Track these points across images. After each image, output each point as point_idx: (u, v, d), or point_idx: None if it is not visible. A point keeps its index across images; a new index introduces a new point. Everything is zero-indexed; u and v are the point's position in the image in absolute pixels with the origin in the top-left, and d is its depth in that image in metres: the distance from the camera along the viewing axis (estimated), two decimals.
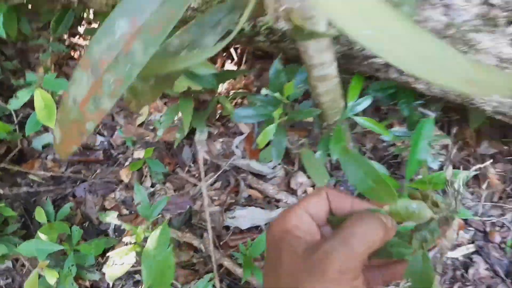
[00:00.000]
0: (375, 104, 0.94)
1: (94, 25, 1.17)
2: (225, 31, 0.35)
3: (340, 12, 0.19)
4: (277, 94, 0.65)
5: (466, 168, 1.01)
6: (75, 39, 1.23)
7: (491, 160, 0.98)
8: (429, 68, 0.18)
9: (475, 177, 1.03)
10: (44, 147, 1.03)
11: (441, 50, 0.18)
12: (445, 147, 1.05)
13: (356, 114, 0.76)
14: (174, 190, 0.99)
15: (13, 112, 0.98)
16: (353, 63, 0.68)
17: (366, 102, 0.73)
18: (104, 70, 0.27)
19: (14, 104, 0.70)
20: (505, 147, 1.03)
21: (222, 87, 1.11)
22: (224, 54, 1.18)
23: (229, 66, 1.17)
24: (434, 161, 0.80)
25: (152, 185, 0.99)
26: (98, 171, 1.04)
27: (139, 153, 0.99)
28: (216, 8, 0.34)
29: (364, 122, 0.72)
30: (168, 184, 0.99)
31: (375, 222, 0.32)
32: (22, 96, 0.69)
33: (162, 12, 0.27)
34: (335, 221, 0.35)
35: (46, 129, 1.01)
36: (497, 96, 0.63)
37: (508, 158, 1.02)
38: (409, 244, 0.35)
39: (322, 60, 0.56)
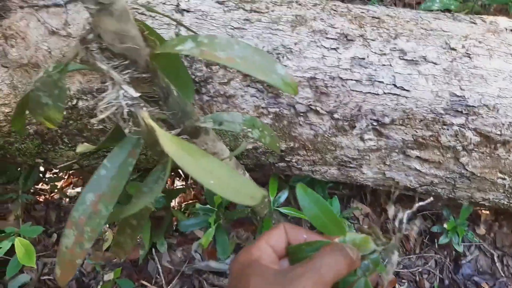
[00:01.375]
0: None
1: (55, 171, 1.35)
2: (164, 180, 0.55)
3: (197, 174, 0.40)
4: (208, 206, 0.84)
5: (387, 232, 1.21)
6: (39, 186, 1.39)
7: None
8: (234, 194, 0.38)
9: None
10: (20, 287, 1.12)
11: (239, 182, 0.38)
12: (367, 215, 1.26)
13: (283, 205, 0.96)
14: None
15: None
16: (265, 168, 0.90)
17: (284, 195, 0.93)
18: (82, 225, 0.45)
19: None
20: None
21: (175, 202, 1.29)
22: (173, 173, 1.38)
23: (178, 182, 1.36)
24: (350, 230, 0.99)
25: None
26: None
27: (109, 275, 1.11)
28: (156, 170, 0.54)
29: (286, 211, 0.92)
30: None
31: (342, 254, 0.35)
32: (4, 246, 0.83)
33: (112, 184, 0.46)
34: (293, 251, 0.39)
35: (21, 270, 1.12)
36: (370, 173, 0.85)
37: (418, 214, 1.24)
38: (354, 272, 0.38)
39: None
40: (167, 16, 0.52)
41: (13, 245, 0.84)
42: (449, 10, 1.22)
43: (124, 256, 0.62)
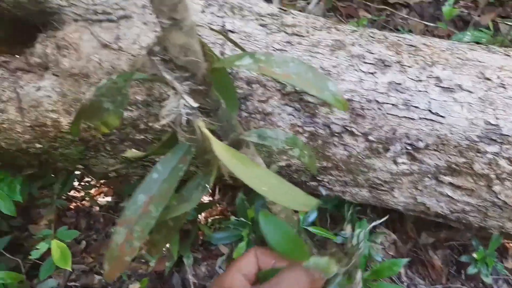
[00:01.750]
0: (328, 214, 1.16)
1: (89, 180, 1.40)
2: (204, 187, 0.58)
3: (251, 181, 0.42)
4: (242, 219, 0.86)
5: (414, 258, 1.20)
6: (71, 193, 1.44)
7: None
8: (287, 199, 0.40)
9: (423, 264, 1.21)
10: None
11: (291, 190, 0.41)
12: (393, 242, 1.25)
13: (311, 224, 0.97)
14: None
15: (21, 263, 1.13)
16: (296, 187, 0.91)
17: (313, 215, 0.94)
18: (133, 224, 0.48)
19: (35, 254, 0.87)
20: (441, 235, 1.24)
21: (201, 217, 1.31)
22: None
23: (206, 197, 1.39)
24: (378, 255, 0.99)
25: None
26: None
27: (134, 286, 1.13)
28: (197, 176, 0.57)
29: (315, 230, 0.92)
30: None
31: (304, 272, 0.38)
32: (42, 247, 0.87)
33: (163, 187, 0.49)
34: (263, 276, 0.41)
35: (50, 276, 1.15)
36: (401, 197, 0.86)
37: (445, 244, 1.23)
38: None
39: None
40: (219, 32, 0.56)
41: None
42: (478, 43, 1.24)
43: (156, 254, 0.64)
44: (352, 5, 1.55)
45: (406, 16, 1.45)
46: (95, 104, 0.51)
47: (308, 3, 1.42)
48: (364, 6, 1.54)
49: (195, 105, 0.45)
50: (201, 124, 0.46)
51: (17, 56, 0.92)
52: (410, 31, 1.48)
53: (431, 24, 1.40)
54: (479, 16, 1.46)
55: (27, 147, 0.87)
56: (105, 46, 0.77)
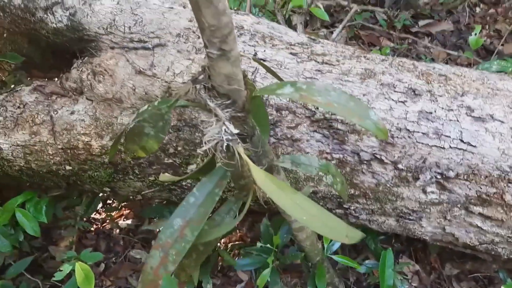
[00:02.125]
0: (354, 244, 1.14)
1: (110, 202, 1.41)
2: (235, 212, 0.58)
3: (291, 209, 0.42)
4: (268, 245, 0.85)
5: None
6: (93, 215, 1.45)
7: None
8: (329, 230, 0.40)
9: None
10: None
11: (332, 220, 0.41)
12: (416, 272, 1.22)
13: (335, 253, 0.96)
14: None
15: (41, 285, 1.13)
16: None
17: (337, 243, 0.93)
18: (168, 248, 0.48)
19: (58, 276, 0.88)
20: (466, 266, 1.21)
21: (221, 242, 1.30)
22: None
23: None
24: (402, 285, 0.97)
25: None
26: None
27: None
28: (229, 201, 0.57)
29: (339, 259, 0.91)
30: None
31: None
32: (66, 269, 0.87)
33: (199, 211, 0.50)
34: None
35: None
36: (429, 227, 0.85)
37: (470, 275, 1.19)
38: None
39: None
40: (257, 61, 0.57)
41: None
42: (504, 72, 1.24)
43: (184, 279, 0.63)
44: (374, 33, 1.58)
45: (428, 44, 1.47)
46: (136, 129, 0.52)
47: (331, 32, 1.45)
48: (386, 34, 1.56)
49: (235, 131, 0.46)
50: (241, 150, 0.47)
51: (52, 80, 0.95)
52: (432, 59, 1.49)
53: (454, 53, 1.41)
54: (502, 45, 1.46)
55: (57, 169, 0.89)
56: (139, 72, 0.80)
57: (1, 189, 1.19)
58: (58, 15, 0.84)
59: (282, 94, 0.46)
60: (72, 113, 0.85)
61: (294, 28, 1.48)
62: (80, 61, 0.86)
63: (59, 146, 0.86)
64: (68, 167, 0.89)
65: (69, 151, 0.86)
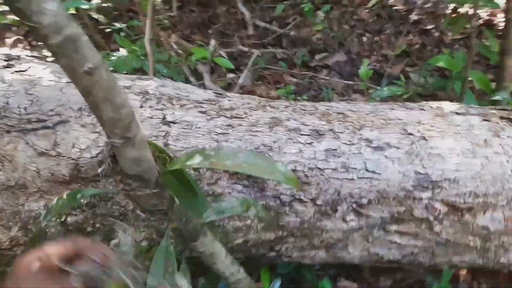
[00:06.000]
0: (290, 278, 1.15)
1: None
2: None
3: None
4: None
5: None
6: None
7: None
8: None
9: None
10: None
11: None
12: None
13: None
14: None
15: None
16: (255, 261, 0.92)
17: (277, 284, 0.94)
18: None
19: None
20: (397, 276, 1.28)
21: None
22: None
23: None
24: None
25: None
26: None
27: None
28: None
29: None
30: None
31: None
32: None
33: None
34: None
35: None
36: (356, 252, 0.90)
37: (403, 283, 1.26)
38: None
39: (231, 271, 0.79)
40: None
41: None
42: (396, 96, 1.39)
43: None
44: (277, 71, 1.68)
45: (326, 77, 1.59)
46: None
47: (238, 76, 1.51)
48: (288, 71, 1.67)
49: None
50: None
51: None
52: (333, 89, 1.61)
53: (350, 82, 1.55)
54: (390, 68, 1.64)
55: None
56: (42, 154, 0.75)
57: None
58: None
59: (193, 165, 0.47)
60: None
61: (201, 76, 1.52)
62: None
63: None
64: None
65: None
